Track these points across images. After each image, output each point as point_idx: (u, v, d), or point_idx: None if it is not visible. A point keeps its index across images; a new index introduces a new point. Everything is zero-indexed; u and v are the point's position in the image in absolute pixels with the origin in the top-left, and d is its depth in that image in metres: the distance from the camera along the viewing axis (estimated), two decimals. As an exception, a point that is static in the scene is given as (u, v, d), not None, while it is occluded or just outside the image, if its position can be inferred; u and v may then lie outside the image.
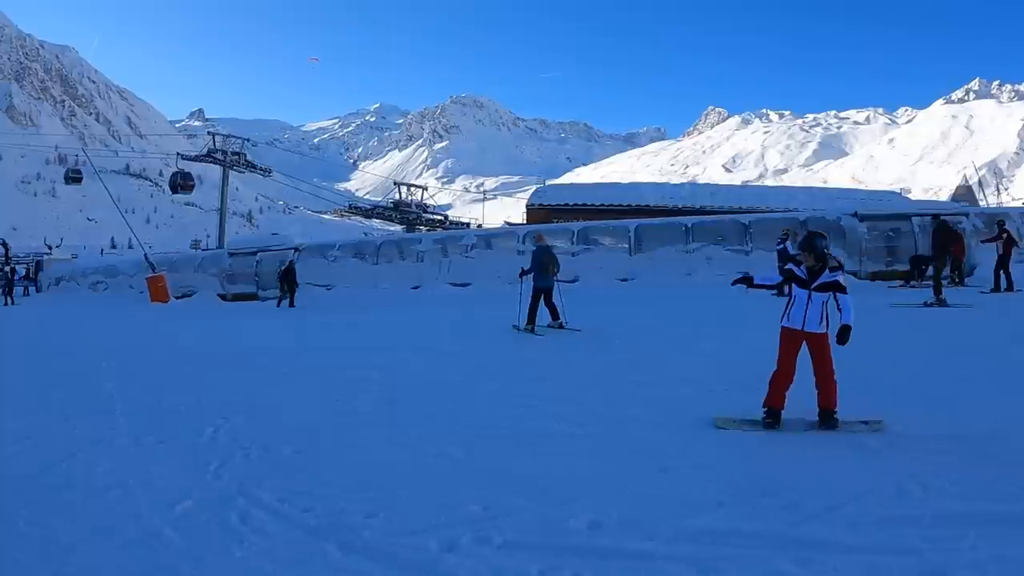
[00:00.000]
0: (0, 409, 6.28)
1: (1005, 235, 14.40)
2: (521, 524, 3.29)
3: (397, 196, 61.26)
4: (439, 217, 62.65)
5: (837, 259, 4.71)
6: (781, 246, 16.35)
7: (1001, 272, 14.26)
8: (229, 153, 44.86)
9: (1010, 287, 14.15)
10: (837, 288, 4.61)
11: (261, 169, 50.12)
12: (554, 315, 10.83)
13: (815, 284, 4.64)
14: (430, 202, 63.70)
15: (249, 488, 3.87)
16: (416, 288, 20.33)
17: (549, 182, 73.37)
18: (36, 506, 3.70)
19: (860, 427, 4.69)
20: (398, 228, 62.48)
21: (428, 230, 52.84)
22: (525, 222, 34.83)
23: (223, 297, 23.27)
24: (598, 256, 20.42)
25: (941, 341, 8.57)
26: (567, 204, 34.49)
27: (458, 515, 3.43)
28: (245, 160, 46.56)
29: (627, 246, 20.46)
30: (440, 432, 5.01)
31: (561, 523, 3.29)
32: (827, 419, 4.69)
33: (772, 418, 4.78)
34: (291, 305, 18.77)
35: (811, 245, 4.66)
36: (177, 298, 23.31)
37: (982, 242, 16.08)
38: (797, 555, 2.86)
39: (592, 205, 33.60)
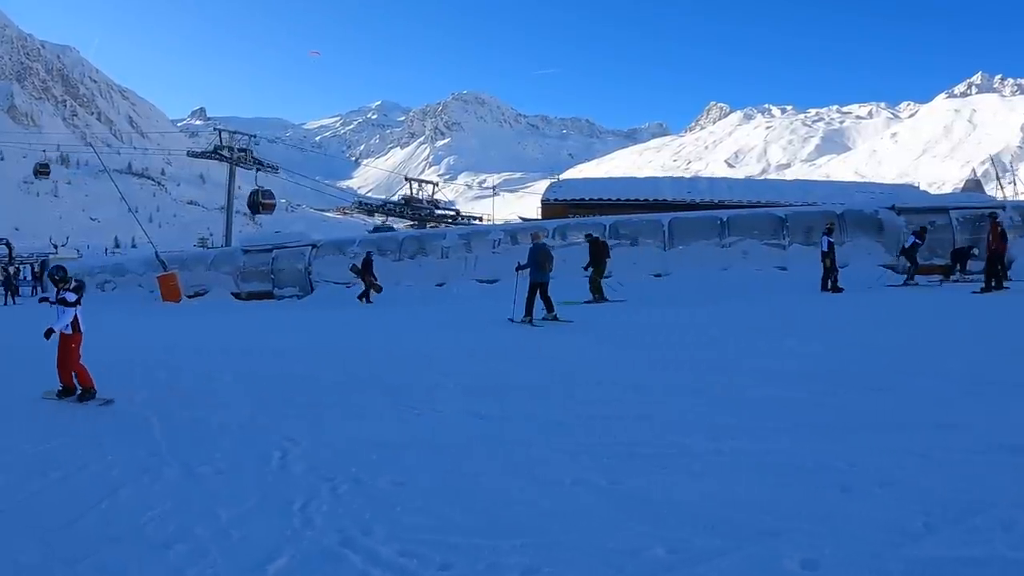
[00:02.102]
0: (13, 431, 5.19)
1: (999, 230, 14.23)
2: (726, 569, 2.56)
3: (408, 192, 60.12)
4: (451, 213, 61.55)
5: (79, 280, 6.46)
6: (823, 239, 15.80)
7: (989, 267, 13.99)
8: (235, 150, 43.98)
9: (999, 284, 13.80)
10: (64, 303, 6.19)
11: (268, 166, 49.24)
12: (549, 308, 11.41)
13: (56, 299, 6.23)
14: (439, 197, 62.61)
15: (355, 537, 2.96)
16: (441, 285, 19.47)
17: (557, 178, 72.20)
18: (77, 567, 2.76)
19: (100, 401, 6.09)
20: (403, 225, 61.34)
21: (434, 227, 51.87)
22: (540, 217, 33.95)
23: (237, 296, 22.41)
24: (631, 251, 19.59)
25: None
26: (584, 199, 33.59)
27: (643, 562, 2.64)
28: (251, 157, 45.65)
29: (661, 241, 19.66)
30: (559, 453, 4.11)
31: (772, 564, 2.58)
32: (82, 393, 6.18)
33: (80, 393, 6.21)
34: (368, 301, 17.92)
35: (47, 274, 6.52)
36: (189, 297, 22.45)
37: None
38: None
39: (610, 200, 32.71)
